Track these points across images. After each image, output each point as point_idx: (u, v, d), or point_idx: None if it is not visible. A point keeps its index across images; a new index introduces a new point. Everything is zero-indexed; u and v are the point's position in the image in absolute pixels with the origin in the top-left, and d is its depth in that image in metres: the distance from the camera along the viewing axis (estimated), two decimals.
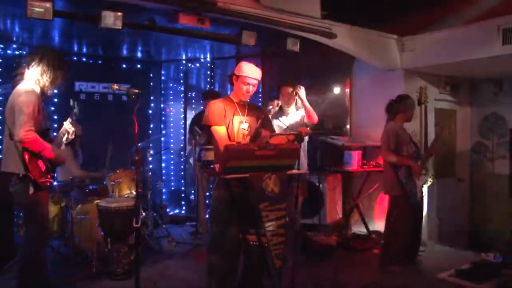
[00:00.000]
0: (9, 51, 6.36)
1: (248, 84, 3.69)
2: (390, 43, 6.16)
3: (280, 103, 4.50)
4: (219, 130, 3.64)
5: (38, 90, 3.69)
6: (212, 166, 3.58)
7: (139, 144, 4.41)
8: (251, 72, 3.70)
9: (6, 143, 3.68)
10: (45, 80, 3.70)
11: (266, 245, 3.21)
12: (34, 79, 3.68)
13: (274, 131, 4.05)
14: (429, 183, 5.23)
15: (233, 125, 3.69)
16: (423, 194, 5.21)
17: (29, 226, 3.81)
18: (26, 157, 3.55)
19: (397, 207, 5.09)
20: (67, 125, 3.91)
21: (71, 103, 4.09)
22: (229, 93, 7.92)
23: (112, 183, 5.60)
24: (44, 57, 3.70)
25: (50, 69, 3.71)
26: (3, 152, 3.77)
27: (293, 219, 4.91)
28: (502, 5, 5.17)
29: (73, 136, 4.01)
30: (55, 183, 4.33)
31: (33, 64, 3.68)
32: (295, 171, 3.52)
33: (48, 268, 3.87)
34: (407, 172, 4.99)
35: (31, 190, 3.60)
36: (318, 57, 6.33)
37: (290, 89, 5.24)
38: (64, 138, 3.90)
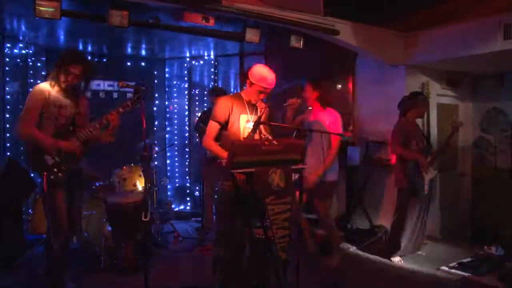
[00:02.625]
0: (15, 50, 6.41)
1: (263, 92, 3.69)
2: (393, 39, 6.19)
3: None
4: (213, 125, 3.71)
5: (48, 86, 3.69)
6: (218, 161, 3.61)
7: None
8: (268, 82, 3.67)
9: None
10: (54, 76, 3.72)
11: (272, 238, 3.27)
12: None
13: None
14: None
15: (239, 123, 3.72)
16: (431, 188, 5.28)
17: (47, 221, 3.85)
18: (29, 152, 3.63)
19: (403, 199, 5.18)
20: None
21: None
22: (232, 90, 7.96)
23: (118, 179, 5.68)
24: (59, 57, 3.76)
25: (58, 65, 3.71)
26: None
27: (298, 213, 4.95)
28: (504, 0, 5.20)
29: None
30: None
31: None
32: (300, 165, 3.57)
33: (62, 265, 3.89)
34: (415, 165, 5.07)
35: (45, 187, 3.60)
36: (321, 54, 6.37)
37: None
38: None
